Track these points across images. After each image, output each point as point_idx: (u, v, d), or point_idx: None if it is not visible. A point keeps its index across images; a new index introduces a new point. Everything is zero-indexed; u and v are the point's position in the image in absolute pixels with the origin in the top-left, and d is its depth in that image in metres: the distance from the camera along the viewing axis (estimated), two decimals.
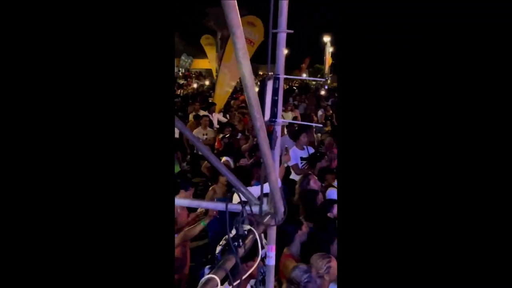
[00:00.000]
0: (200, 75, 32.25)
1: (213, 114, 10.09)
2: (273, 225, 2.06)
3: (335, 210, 3.82)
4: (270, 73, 2.10)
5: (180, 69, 36.31)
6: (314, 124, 5.67)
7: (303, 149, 6.16)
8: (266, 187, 2.00)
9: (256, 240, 1.82)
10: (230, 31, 1.22)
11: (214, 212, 3.78)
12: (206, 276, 1.51)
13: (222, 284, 1.51)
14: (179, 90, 20.04)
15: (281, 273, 3.32)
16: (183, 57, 32.33)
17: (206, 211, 3.83)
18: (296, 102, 13.97)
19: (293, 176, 5.83)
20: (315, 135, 8.20)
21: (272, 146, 2.04)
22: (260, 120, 1.55)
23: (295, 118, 10.51)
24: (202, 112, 9.86)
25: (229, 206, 1.98)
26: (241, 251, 1.69)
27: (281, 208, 2.05)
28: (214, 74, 18.90)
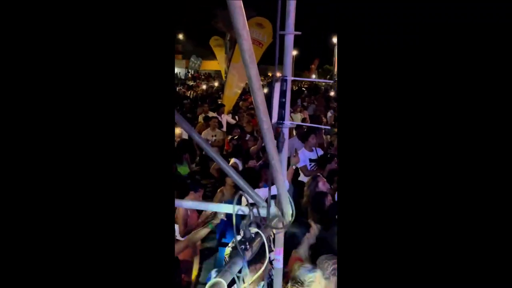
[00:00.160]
0: (209, 77, 32.32)
1: (222, 115, 10.10)
2: (281, 228, 2.04)
3: None
4: (277, 75, 2.08)
5: (190, 71, 36.46)
6: (322, 127, 5.64)
7: (312, 150, 6.14)
8: (275, 189, 1.99)
9: (264, 243, 1.81)
10: (236, 33, 1.21)
11: (222, 215, 3.77)
12: (213, 280, 1.50)
13: (229, 287, 1.50)
14: (189, 92, 20.13)
15: (289, 276, 3.30)
16: (192, 59, 32.47)
17: (215, 213, 3.82)
18: (305, 103, 13.96)
19: (302, 177, 5.81)
20: (324, 137, 8.17)
21: (279, 148, 2.02)
22: (267, 123, 1.54)
23: (304, 119, 10.48)
24: (211, 114, 9.88)
25: (237, 208, 1.97)
26: (248, 254, 1.68)
27: (289, 211, 2.04)
28: (223, 75, 18.94)
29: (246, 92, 15.98)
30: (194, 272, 4.33)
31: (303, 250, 3.39)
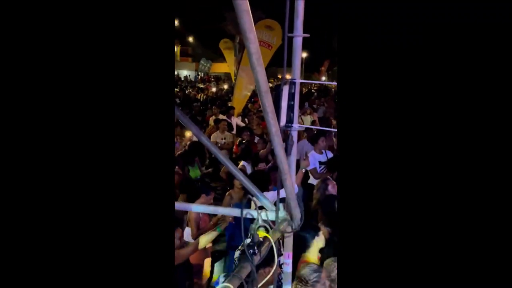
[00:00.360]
0: (219, 79, 32.41)
1: (232, 118, 10.10)
2: (290, 231, 2.03)
3: None
4: (286, 77, 2.07)
5: (199, 73, 36.59)
6: (331, 129, 5.61)
7: (321, 153, 6.10)
8: (284, 192, 1.98)
9: (272, 247, 1.80)
10: (243, 36, 1.21)
11: (230, 218, 3.77)
12: (221, 285, 1.49)
13: None
14: (199, 94, 20.19)
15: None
16: (202, 61, 32.59)
17: (223, 216, 3.82)
18: (315, 106, 13.91)
19: (312, 180, 5.78)
20: (334, 139, 8.13)
21: (288, 151, 2.01)
22: (275, 126, 1.53)
23: (313, 121, 10.45)
24: (221, 116, 9.88)
25: (245, 212, 1.96)
26: (256, 258, 1.67)
27: (298, 215, 2.02)
28: (233, 77, 18.99)
29: (256, 95, 15.95)
30: (206, 275, 4.33)
31: (312, 253, 3.37)
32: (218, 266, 4.81)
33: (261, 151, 6.68)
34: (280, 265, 2.45)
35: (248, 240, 1.75)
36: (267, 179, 4.68)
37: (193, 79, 35.41)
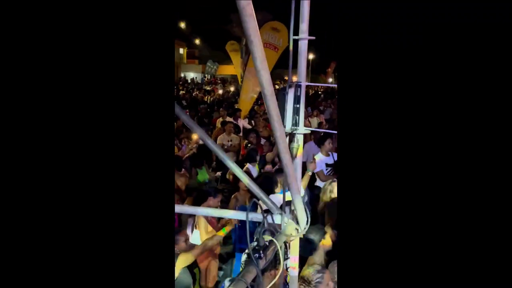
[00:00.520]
0: (225, 81, 32.42)
1: (238, 120, 10.10)
2: (296, 235, 2.02)
3: None
4: (294, 79, 2.06)
5: (206, 75, 36.67)
6: (332, 131, 5.59)
7: (328, 155, 6.08)
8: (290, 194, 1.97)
9: (280, 247, 1.79)
10: (247, 39, 1.20)
11: (236, 220, 3.76)
12: None
13: None
14: (206, 96, 20.22)
15: None
16: (208, 63, 32.67)
17: (229, 219, 3.82)
18: (321, 107, 13.90)
19: (318, 182, 5.76)
20: None
21: (293, 155, 2.00)
22: (280, 130, 1.52)
23: (320, 123, 10.43)
24: (228, 119, 9.88)
25: (251, 215, 1.95)
26: (262, 262, 1.66)
27: (304, 218, 2.01)
28: (239, 79, 19.00)
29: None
30: (213, 277, 4.33)
31: (319, 256, 3.36)
32: (225, 269, 4.81)
33: (268, 153, 6.67)
34: (286, 269, 2.44)
35: (254, 244, 1.74)
36: (274, 181, 4.67)
37: (199, 81, 35.50)
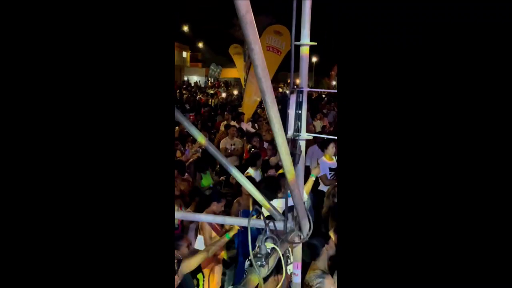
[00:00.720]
0: (228, 84, 32.44)
1: (241, 123, 10.08)
2: (298, 242, 2.01)
3: None
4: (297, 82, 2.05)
5: (209, 79, 36.70)
6: (334, 137, 5.56)
7: (332, 159, 6.06)
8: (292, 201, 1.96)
9: (283, 255, 1.78)
10: (248, 47, 1.20)
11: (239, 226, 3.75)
12: None
13: None
14: (210, 100, 20.25)
15: None
16: (212, 67, 32.65)
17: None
18: (325, 111, 13.88)
19: (322, 187, 5.74)
20: None
21: (295, 161, 1.99)
22: (282, 137, 1.52)
23: (324, 127, 10.42)
24: (232, 123, 9.87)
25: (253, 222, 1.95)
26: (264, 270, 1.65)
27: (306, 225, 2.00)
28: (243, 83, 19.03)
29: None
30: (216, 283, 4.31)
31: (322, 261, 3.33)
32: (229, 274, 4.79)
33: (272, 158, 6.66)
34: (290, 273, 2.43)
35: (257, 251, 1.73)
36: (277, 186, 4.65)
37: (203, 85, 35.56)
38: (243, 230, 3.86)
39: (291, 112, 2.01)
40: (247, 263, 2.88)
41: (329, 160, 6.04)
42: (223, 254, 4.58)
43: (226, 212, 5.11)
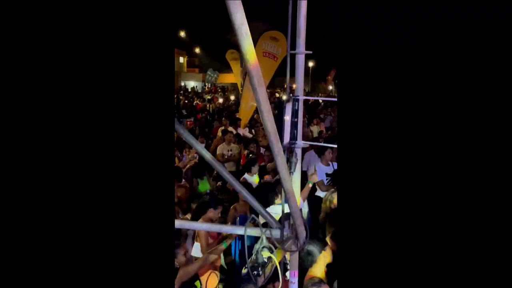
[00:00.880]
0: (225, 90, 32.44)
1: (238, 129, 10.09)
2: (295, 250, 2.01)
3: None
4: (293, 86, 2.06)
5: (206, 84, 36.71)
6: (331, 145, 5.57)
7: (328, 165, 6.07)
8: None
9: (279, 262, 1.79)
10: (244, 58, 1.20)
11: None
12: None
13: None
14: (208, 105, 20.24)
15: None
16: (209, 72, 32.65)
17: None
18: (322, 115, 13.89)
19: (319, 192, 5.74)
20: None
21: (291, 169, 2.00)
22: (277, 146, 1.52)
23: (320, 131, 10.43)
24: (230, 128, 9.86)
25: (249, 230, 1.95)
26: (260, 280, 1.65)
27: (303, 233, 2.00)
28: (240, 88, 19.04)
29: None
30: None
31: (319, 268, 3.33)
32: (226, 281, 4.77)
33: (269, 163, 6.65)
34: (286, 281, 2.42)
35: (253, 259, 1.73)
36: (274, 192, 4.64)
37: (200, 90, 35.56)
38: (240, 238, 3.86)
39: (287, 119, 2.02)
40: (244, 270, 2.88)
41: (325, 165, 6.05)
42: (220, 261, 4.57)
43: (223, 218, 5.10)
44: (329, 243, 3.60)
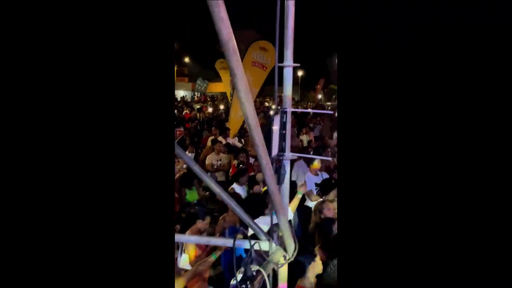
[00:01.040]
0: (215, 99, 32.45)
1: (227, 139, 10.08)
2: (284, 263, 2.00)
3: None
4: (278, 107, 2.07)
5: (196, 93, 36.70)
6: (323, 157, 5.61)
7: (317, 174, 6.08)
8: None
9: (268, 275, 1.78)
10: (231, 73, 1.21)
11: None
12: None
13: None
14: (198, 114, 20.19)
15: None
16: (198, 81, 32.63)
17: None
18: (311, 125, 13.94)
19: (308, 202, 5.75)
20: (331, 159, 8.10)
21: (280, 181, 2.00)
22: (265, 159, 1.52)
23: (310, 141, 10.47)
24: (220, 138, 9.84)
25: (238, 242, 1.94)
26: None
27: (292, 245, 2.00)
28: (229, 97, 19.06)
29: None
30: None
31: (308, 279, 3.32)
32: None
33: (258, 173, 6.65)
34: None
35: (242, 271, 1.73)
36: (263, 202, 4.64)
37: (190, 99, 35.52)
38: (229, 250, 3.84)
39: (275, 131, 2.03)
40: (233, 282, 2.86)
41: (314, 175, 6.06)
42: (209, 273, 4.54)
43: (213, 228, 5.07)
44: (318, 254, 3.59)
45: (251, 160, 7.90)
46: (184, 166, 6.94)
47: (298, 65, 1.98)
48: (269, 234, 2.05)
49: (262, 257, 1.84)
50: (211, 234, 4.72)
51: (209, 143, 9.69)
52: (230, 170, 7.86)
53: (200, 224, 4.35)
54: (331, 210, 4.51)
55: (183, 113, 20.34)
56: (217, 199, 6.36)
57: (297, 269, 3.25)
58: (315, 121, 15.30)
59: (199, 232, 4.27)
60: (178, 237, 2.57)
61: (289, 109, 2.01)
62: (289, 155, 2.06)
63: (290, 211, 4.29)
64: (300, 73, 34.97)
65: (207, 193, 6.85)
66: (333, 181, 5.96)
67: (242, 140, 10.82)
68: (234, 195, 5.15)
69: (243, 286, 1.61)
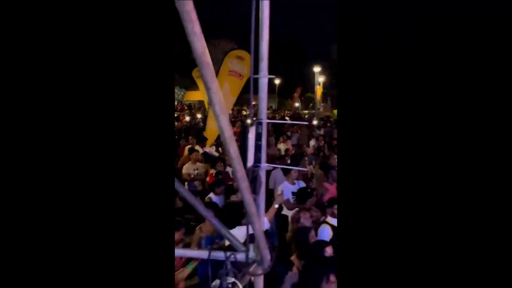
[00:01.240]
0: (192, 107, 32.32)
1: (204, 148, 10.03)
2: (260, 274, 2.00)
3: (328, 251, 3.69)
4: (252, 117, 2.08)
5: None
6: (300, 169, 5.65)
7: (294, 183, 6.11)
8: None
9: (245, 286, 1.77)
10: (205, 86, 1.22)
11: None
12: None
13: None
14: (175, 123, 20.05)
15: None
16: (176, 90, 32.52)
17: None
18: (288, 133, 14.01)
19: (285, 211, 5.76)
20: (308, 167, 8.16)
21: (256, 191, 2.00)
22: (241, 171, 1.53)
23: (287, 149, 10.52)
24: (197, 147, 9.77)
25: (213, 254, 1.93)
26: None
27: (267, 256, 2.00)
28: (206, 106, 19.01)
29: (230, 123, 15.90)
30: None
31: None
32: None
33: (235, 183, 6.64)
34: None
35: (217, 283, 1.72)
36: (241, 211, 4.61)
37: None
38: (204, 261, 3.81)
39: (251, 142, 2.03)
40: None
41: (291, 184, 6.09)
42: (185, 284, 4.49)
43: (190, 238, 5.02)
44: (295, 263, 3.60)
45: (228, 169, 7.87)
46: None
47: (273, 77, 2.00)
48: (245, 245, 2.05)
49: (238, 269, 1.84)
50: (188, 244, 4.68)
51: (186, 152, 9.63)
52: (207, 179, 7.83)
53: (176, 235, 4.30)
54: (308, 219, 4.53)
55: None
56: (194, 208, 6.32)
57: (274, 279, 3.25)
58: (292, 129, 15.39)
59: (175, 243, 4.23)
60: None
61: (265, 121, 2.02)
62: (264, 166, 2.07)
63: (267, 221, 4.29)
64: (277, 81, 35.17)
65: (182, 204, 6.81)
66: (309, 190, 6.00)
67: (220, 149, 10.79)
68: (211, 205, 5.12)
69: None
